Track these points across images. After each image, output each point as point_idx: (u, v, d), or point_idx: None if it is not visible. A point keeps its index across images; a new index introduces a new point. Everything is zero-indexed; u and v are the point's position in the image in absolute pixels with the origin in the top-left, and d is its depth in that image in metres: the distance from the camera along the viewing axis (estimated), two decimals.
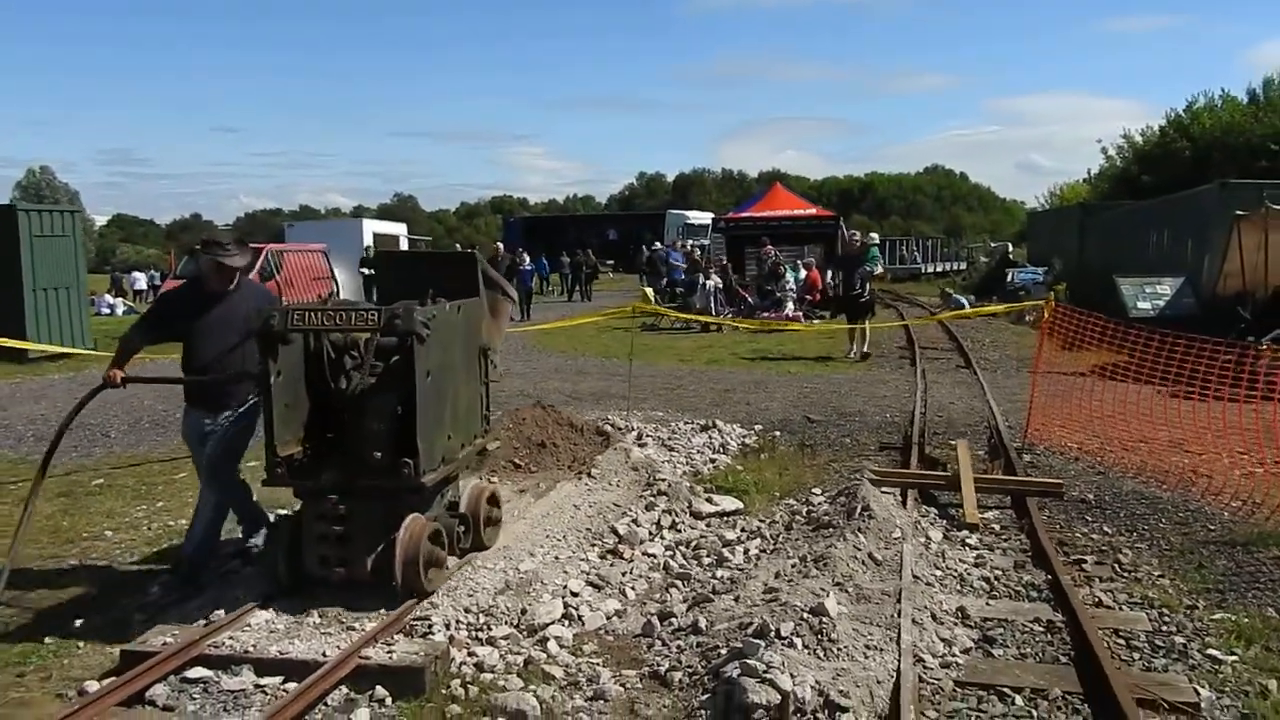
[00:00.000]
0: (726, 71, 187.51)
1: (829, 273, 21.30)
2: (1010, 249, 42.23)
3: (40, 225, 18.28)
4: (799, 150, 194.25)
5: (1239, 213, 14.49)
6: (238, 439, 5.79)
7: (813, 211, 29.11)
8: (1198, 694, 4.13)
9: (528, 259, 30.57)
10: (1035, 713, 4.01)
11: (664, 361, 16.46)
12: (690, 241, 39.65)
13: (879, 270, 16.94)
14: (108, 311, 33.07)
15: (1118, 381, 10.33)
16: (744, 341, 19.47)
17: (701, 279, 22.33)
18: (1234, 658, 4.54)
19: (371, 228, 29.52)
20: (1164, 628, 4.89)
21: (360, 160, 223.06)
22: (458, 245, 32.31)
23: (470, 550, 5.62)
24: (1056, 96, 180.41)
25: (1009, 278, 28.33)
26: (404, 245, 31.61)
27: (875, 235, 20.23)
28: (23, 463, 9.26)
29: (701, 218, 60.42)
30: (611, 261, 52.76)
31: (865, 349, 16.27)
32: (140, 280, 42.57)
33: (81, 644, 5.07)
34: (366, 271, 24.33)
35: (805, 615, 4.43)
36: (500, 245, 29.82)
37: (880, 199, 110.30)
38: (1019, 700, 4.11)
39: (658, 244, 36.70)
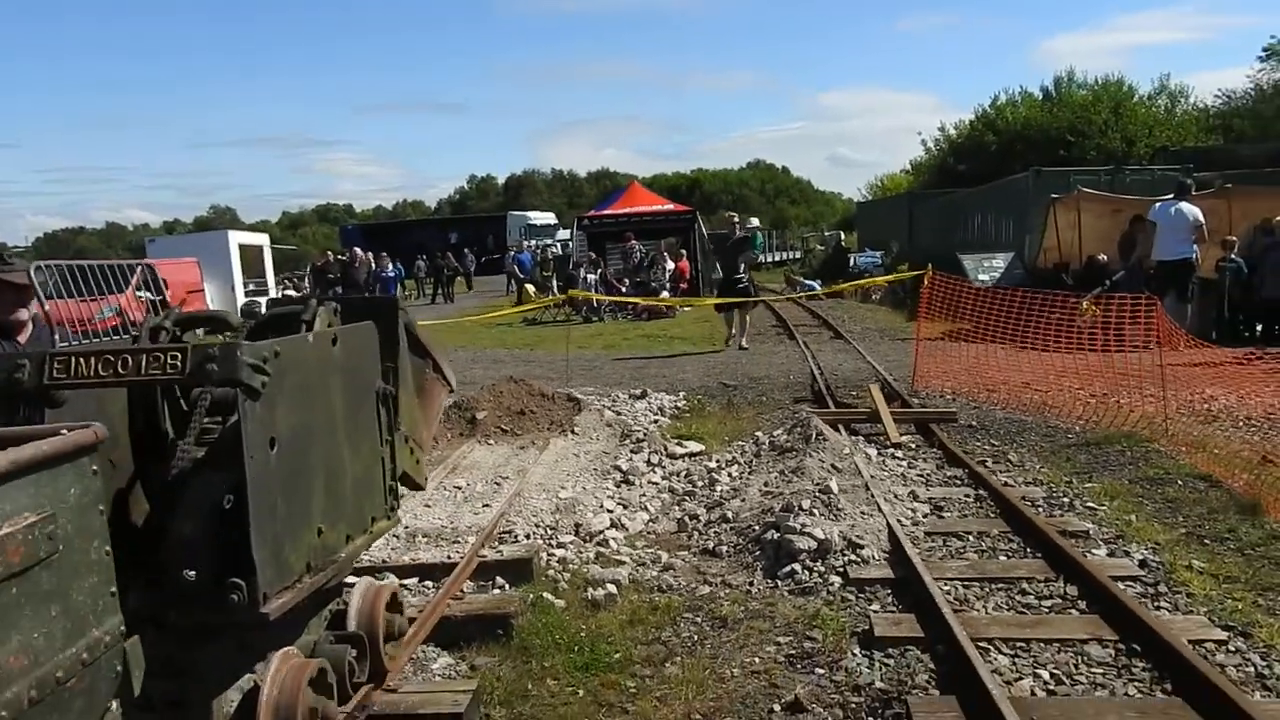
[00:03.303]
0: (536, 72, 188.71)
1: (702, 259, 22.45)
2: (842, 237, 45.41)
3: None
4: (617, 149, 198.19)
5: (1054, 196, 17.10)
6: None
7: (670, 207, 31.03)
8: (1086, 527, 5.97)
9: (390, 266, 30.92)
10: (984, 543, 5.77)
11: (565, 349, 17.85)
12: (533, 241, 41.09)
13: (759, 257, 18.04)
14: None
15: (973, 342, 12.49)
16: (628, 329, 21.07)
17: (581, 273, 23.84)
18: (1104, 507, 6.44)
19: (237, 239, 29.51)
20: (1054, 495, 6.77)
21: (156, 174, 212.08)
22: (332, 255, 32.27)
23: (368, 682, 3.89)
24: (856, 93, 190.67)
25: (851, 262, 31.00)
26: (268, 256, 31.60)
27: (756, 220, 20.16)
28: None
29: (543, 218, 61.69)
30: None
31: (744, 341, 16.04)
32: None
33: None
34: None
35: (816, 494, 6.06)
36: (360, 251, 30.12)
37: (708, 194, 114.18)
38: (971, 538, 5.86)
39: (512, 248, 38.00)
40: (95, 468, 2.39)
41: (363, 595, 3.94)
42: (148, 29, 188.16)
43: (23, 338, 4.29)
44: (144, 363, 3.02)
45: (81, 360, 3.07)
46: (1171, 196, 13.84)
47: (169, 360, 3.00)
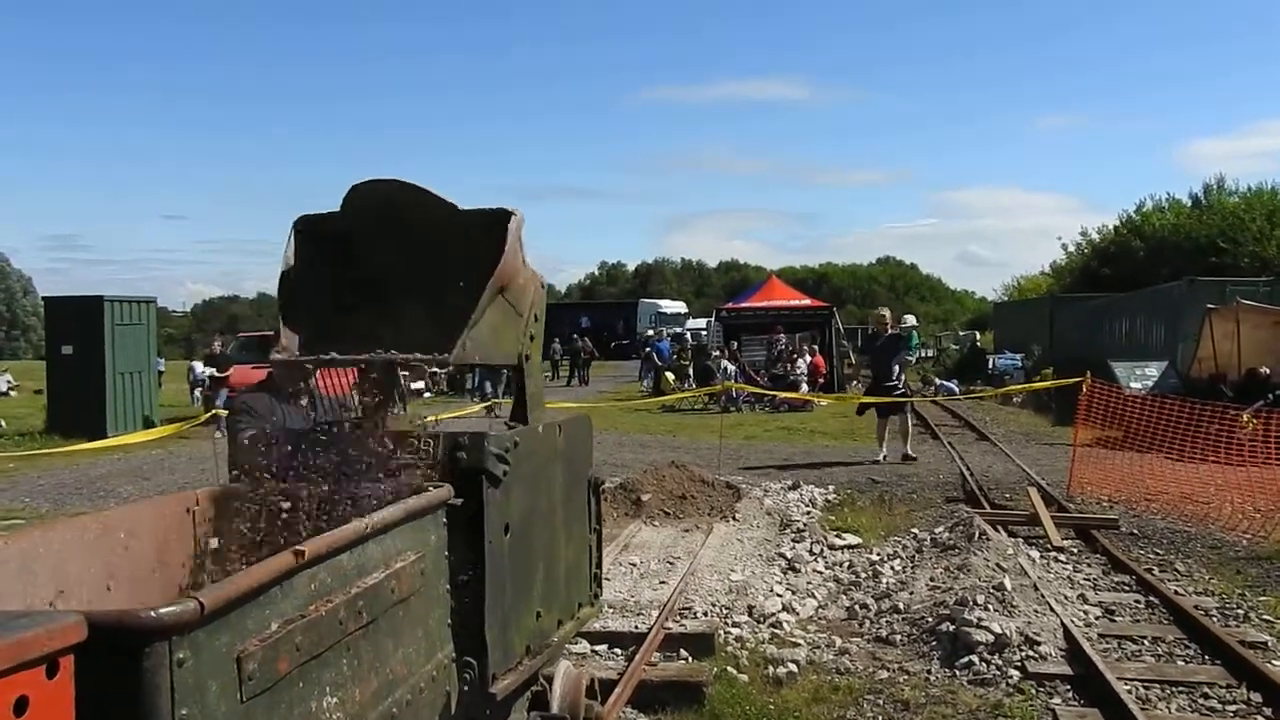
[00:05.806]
0: (663, 162, 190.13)
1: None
2: (978, 336, 44.92)
3: (121, 315, 19.91)
4: (745, 240, 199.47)
5: (1210, 306, 16.88)
6: None
7: (808, 302, 31.43)
8: (1265, 639, 6.02)
9: None
10: (1159, 647, 5.88)
11: (706, 437, 18.26)
12: (664, 329, 41.91)
13: (914, 358, 17.24)
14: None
15: (1126, 449, 12.45)
16: (765, 420, 21.42)
17: (725, 363, 24.36)
18: None
19: None
20: (1227, 605, 6.80)
21: None
22: None
23: None
24: (988, 191, 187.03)
25: (990, 364, 30.70)
26: None
27: (912, 318, 18.03)
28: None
29: (674, 306, 62.67)
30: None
31: (908, 449, 14.22)
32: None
33: None
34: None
35: (990, 590, 6.27)
36: None
37: (836, 288, 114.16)
38: (1146, 642, 5.98)
39: (651, 333, 38.81)
40: (445, 520, 2.91)
41: (565, 678, 4.02)
42: (273, 110, 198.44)
43: (303, 402, 4.82)
44: (391, 448, 3.21)
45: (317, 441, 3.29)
46: None
47: (422, 445, 3.19)
